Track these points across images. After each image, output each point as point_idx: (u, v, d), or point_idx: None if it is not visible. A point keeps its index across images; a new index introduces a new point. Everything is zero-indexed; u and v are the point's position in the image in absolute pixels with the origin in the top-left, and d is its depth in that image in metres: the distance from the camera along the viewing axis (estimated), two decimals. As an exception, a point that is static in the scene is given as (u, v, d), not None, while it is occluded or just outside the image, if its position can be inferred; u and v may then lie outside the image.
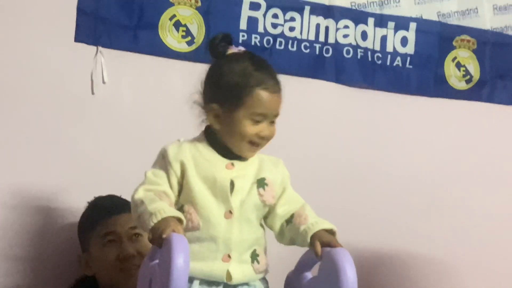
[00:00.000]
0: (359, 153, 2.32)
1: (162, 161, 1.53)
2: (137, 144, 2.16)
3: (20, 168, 2.08)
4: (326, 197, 2.18)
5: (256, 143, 1.54)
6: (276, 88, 1.54)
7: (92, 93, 2.13)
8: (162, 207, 1.42)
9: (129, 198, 1.46)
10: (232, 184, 1.51)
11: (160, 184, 1.49)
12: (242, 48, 1.59)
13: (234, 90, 1.51)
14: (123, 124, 2.19)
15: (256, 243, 1.54)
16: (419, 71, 2.47)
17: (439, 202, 2.45)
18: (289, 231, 1.56)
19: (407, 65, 2.46)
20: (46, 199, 2.10)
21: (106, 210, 1.94)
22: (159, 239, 1.37)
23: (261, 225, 1.58)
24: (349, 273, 1.36)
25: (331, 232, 1.51)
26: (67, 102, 2.13)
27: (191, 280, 1.43)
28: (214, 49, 1.57)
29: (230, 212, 1.50)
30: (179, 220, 1.41)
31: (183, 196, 1.51)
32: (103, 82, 2.14)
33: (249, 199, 1.52)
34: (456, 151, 2.49)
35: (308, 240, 1.49)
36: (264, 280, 1.57)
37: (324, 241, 1.47)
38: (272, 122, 1.55)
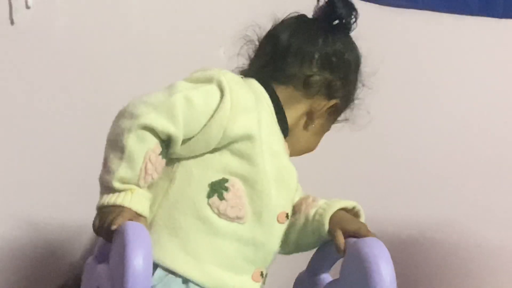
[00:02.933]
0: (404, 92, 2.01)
1: (215, 94, 1.17)
2: (73, 84, 1.83)
3: None
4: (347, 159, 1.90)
5: None
6: None
7: (11, 22, 1.81)
8: (131, 189, 1.12)
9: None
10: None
11: (176, 123, 1.12)
12: None
13: (353, 98, 1.34)
14: (55, 60, 1.84)
15: None
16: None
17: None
18: (292, 227, 1.27)
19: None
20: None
21: None
22: (108, 231, 1.11)
23: None
24: (385, 273, 1.11)
25: (353, 213, 1.26)
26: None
27: None
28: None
29: (287, 215, 1.25)
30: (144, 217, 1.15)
31: (228, 165, 1.18)
32: (27, 7, 1.81)
33: None
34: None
35: (326, 226, 1.21)
36: None
37: (348, 229, 1.20)
38: None
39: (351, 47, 1.31)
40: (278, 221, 1.21)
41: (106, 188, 1.13)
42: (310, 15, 1.33)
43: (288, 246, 1.28)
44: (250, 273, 1.21)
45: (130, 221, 1.08)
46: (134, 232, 1.06)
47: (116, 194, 1.12)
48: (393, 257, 1.14)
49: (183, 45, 1.81)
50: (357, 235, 1.18)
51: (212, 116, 1.14)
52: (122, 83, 1.74)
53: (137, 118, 1.10)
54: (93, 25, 1.87)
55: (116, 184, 1.11)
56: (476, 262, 2.06)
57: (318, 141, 1.33)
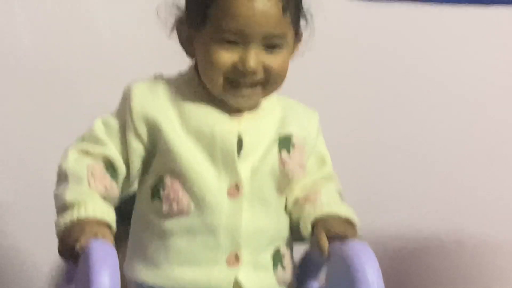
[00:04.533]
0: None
1: (123, 106, 1.22)
2: (43, 104, 1.80)
3: None
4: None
5: (236, 80, 1.17)
6: None
7: None
8: (84, 200, 1.11)
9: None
10: (240, 141, 1.19)
11: (104, 144, 1.18)
12: None
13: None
14: (20, 78, 1.80)
15: (279, 237, 1.24)
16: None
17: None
18: (292, 215, 1.26)
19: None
20: None
21: None
22: (72, 253, 1.08)
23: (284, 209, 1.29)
24: (371, 279, 1.08)
25: (348, 223, 1.22)
26: None
27: None
28: None
29: (237, 186, 1.18)
30: (107, 226, 1.13)
31: (159, 164, 1.19)
32: None
33: (265, 167, 1.21)
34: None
35: (309, 227, 1.20)
36: None
37: (332, 232, 1.17)
38: (272, 47, 1.18)
39: None
40: (230, 196, 1.18)
41: (61, 209, 1.12)
42: None
43: (293, 231, 1.25)
44: (222, 260, 1.18)
45: (95, 239, 1.05)
46: (98, 250, 1.03)
47: (69, 212, 1.10)
48: (389, 266, 1.12)
49: (152, 53, 1.73)
50: (342, 238, 1.15)
51: (125, 126, 1.18)
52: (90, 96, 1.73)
53: (69, 151, 1.17)
54: (58, 40, 1.83)
55: (69, 197, 1.11)
56: (474, 263, 2.01)
57: (209, 56, 1.19)
